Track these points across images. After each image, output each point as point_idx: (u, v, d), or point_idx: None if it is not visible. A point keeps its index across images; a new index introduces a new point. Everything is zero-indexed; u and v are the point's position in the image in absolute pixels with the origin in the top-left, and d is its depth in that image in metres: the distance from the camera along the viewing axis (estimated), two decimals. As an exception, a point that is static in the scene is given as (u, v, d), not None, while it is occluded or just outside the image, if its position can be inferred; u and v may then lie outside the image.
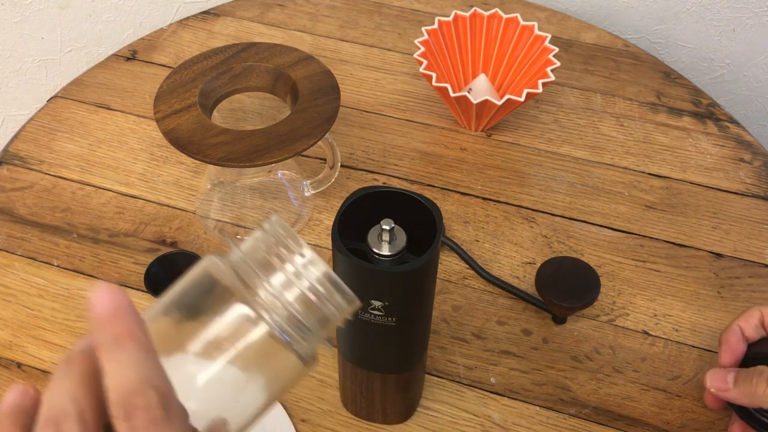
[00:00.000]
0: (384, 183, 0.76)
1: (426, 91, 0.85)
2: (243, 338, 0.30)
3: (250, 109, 0.81)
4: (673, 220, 0.74)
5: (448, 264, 0.69)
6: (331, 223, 0.46)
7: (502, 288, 0.67)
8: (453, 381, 0.62)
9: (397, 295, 0.46)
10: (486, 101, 0.73)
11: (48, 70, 1.10)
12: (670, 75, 0.88)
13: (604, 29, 0.95)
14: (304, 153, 0.67)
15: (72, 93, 0.85)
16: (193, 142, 0.62)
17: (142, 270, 0.67)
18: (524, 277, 0.69)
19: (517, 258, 0.70)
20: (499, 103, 0.73)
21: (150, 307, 0.31)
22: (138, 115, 0.82)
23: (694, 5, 0.97)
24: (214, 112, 0.68)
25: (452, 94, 0.73)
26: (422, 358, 0.55)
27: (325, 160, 0.72)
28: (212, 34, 0.92)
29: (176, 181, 0.76)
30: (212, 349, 0.30)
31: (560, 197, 0.75)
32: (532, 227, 0.73)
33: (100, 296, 0.29)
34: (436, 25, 0.80)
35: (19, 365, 0.62)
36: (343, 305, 0.31)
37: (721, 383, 0.53)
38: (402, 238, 0.46)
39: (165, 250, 0.70)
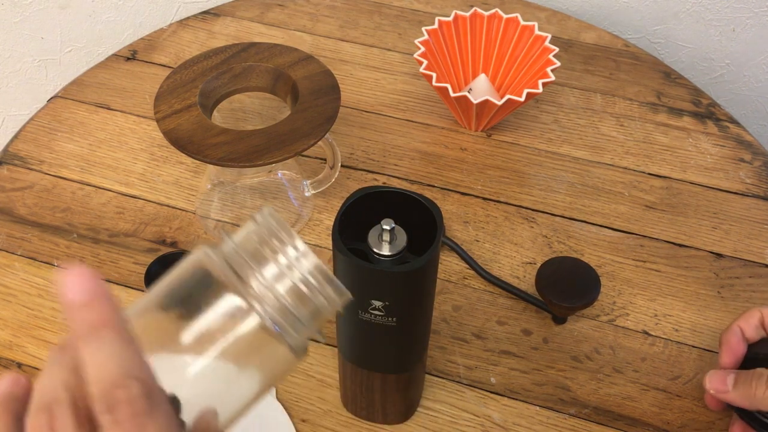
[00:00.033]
0: (384, 183, 0.76)
1: (426, 91, 0.85)
2: (234, 329, 0.30)
3: (250, 109, 0.81)
4: (673, 220, 0.74)
5: (448, 264, 0.69)
6: (332, 223, 0.47)
7: (502, 288, 0.67)
8: (453, 381, 0.62)
9: (397, 295, 0.46)
10: (486, 101, 0.73)
11: (48, 70, 1.10)
12: (670, 75, 0.88)
13: (604, 29, 0.95)
14: (304, 153, 0.67)
15: (72, 93, 0.85)
16: (193, 142, 0.62)
17: (142, 270, 0.67)
18: (524, 277, 0.69)
19: (517, 258, 0.70)
20: (499, 103, 0.73)
21: (141, 297, 0.31)
22: (138, 115, 0.82)
23: (694, 5, 0.97)
24: (214, 112, 0.68)
25: (452, 94, 0.73)
26: (422, 358, 0.55)
27: (325, 160, 0.72)
28: (212, 34, 0.92)
29: (176, 181, 0.76)
30: (203, 340, 0.30)
31: (560, 197, 0.75)
32: (532, 227, 0.73)
33: (72, 282, 0.28)
34: (436, 25, 0.80)
35: (19, 365, 0.62)
36: (334, 297, 0.31)
37: (720, 385, 0.53)
38: (402, 238, 0.46)
39: (165, 250, 0.70)
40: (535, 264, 0.69)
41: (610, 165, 0.78)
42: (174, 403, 0.29)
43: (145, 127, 0.81)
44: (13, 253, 0.70)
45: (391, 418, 0.59)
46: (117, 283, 0.67)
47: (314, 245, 0.71)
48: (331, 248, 0.45)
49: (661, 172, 0.78)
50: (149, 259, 0.68)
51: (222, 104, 0.71)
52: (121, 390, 0.26)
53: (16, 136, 0.80)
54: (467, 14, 0.81)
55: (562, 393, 0.61)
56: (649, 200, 0.75)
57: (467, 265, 0.69)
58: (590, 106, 0.85)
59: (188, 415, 0.29)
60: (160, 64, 0.88)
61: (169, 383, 0.28)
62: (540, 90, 0.73)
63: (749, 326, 0.55)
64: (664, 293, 0.68)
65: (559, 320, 0.65)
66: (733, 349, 0.55)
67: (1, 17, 1.02)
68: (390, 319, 0.47)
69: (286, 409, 0.59)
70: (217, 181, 0.73)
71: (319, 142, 0.65)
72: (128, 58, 0.89)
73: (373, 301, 0.46)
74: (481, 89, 0.79)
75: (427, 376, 0.61)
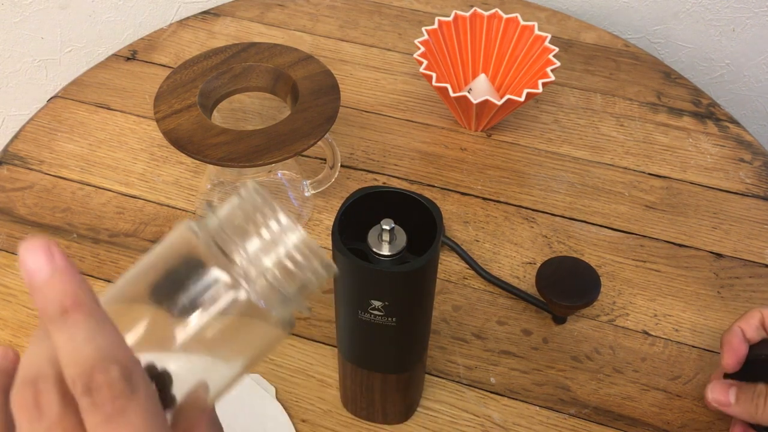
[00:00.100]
0: (384, 183, 0.76)
1: (426, 91, 0.85)
2: (220, 304, 0.30)
3: (250, 109, 0.81)
4: (673, 220, 0.74)
5: (448, 264, 0.69)
6: (331, 223, 0.46)
7: (502, 288, 0.67)
8: (453, 381, 0.62)
9: (397, 295, 0.46)
10: (486, 101, 0.73)
11: (48, 70, 1.10)
12: (670, 75, 0.88)
13: (604, 29, 0.95)
14: (304, 153, 0.67)
15: (72, 93, 0.85)
16: (193, 142, 0.62)
17: (142, 270, 0.67)
18: (524, 277, 0.69)
19: (517, 258, 0.70)
20: (499, 103, 0.73)
21: (125, 272, 0.31)
22: (138, 115, 0.82)
23: (694, 5, 0.97)
24: (214, 112, 0.68)
25: (452, 94, 0.73)
26: (422, 358, 0.55)
27: (325, 160, 0.72)
28: (212, 34, 0.92)
29: (176, 181, 0.76)
30: (189, 316, 0.29)
31: (560, 197, 0.75)
32: (532, 227, 0.73)
33: (34, 256, 0.26)
34: (436, 25, 0.80)
35: (19, 365, 0.62)
36: (320, 271, 0.31)
37: (722, 397, 0.53)
38: (402, 238, 0.46)
39: (165, 250, 0.70)
40: (535, 264, 0.69)
41: (610, 165, 0.78)
42: (165, 377, 0.29)
43: (145, 127, 0.81)
44: (13, 253, 0.70)
45: (391, 418, 0.59)
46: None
47: (314, 245, 0.70)
48: (330, 248, 0.45)
49: (661, 172, 0.78)
50: (149, 259, 0.67)
51: (222, 104, 0.71)
52: (100, 373, 0.25)
53: (16, 136, 0.80)
54: (467, 14, 0.81)
55: (562, 393, 0.61)
56: (649, 200, 0.75)
57: (467, 265, 0.69)
58: (590, 106, 0.85)
59: (179, 390, 0.29)
60: (160, 64, 0.88)
61: (158, 359, 0.28)
62: (540, 90, 0.73)
63: (750, 327, 0.55)
64: (664, 293, 0.68)
65: (559, 320, 0.65)
66: (735, 350, 0.55)
67: (1, 17, 1.02)
68: (390, 319, 0.47)
69: (286, 409, 0.59)
70: (217, 181, 0.73)
71: (319, 142, 0.65)
72: (128, 58, 0.89)
73: (372, 301, 0.46)
74: (481, 89, 0.79)
75: (427, 376, 0.61)
